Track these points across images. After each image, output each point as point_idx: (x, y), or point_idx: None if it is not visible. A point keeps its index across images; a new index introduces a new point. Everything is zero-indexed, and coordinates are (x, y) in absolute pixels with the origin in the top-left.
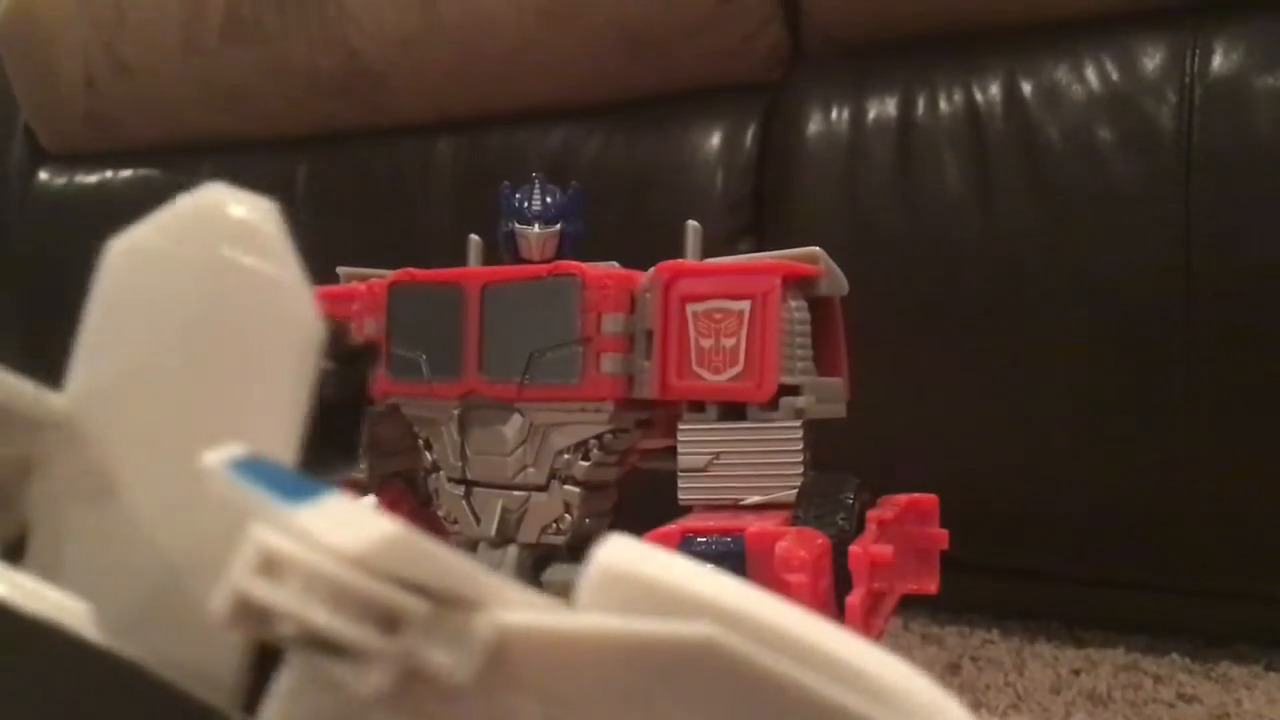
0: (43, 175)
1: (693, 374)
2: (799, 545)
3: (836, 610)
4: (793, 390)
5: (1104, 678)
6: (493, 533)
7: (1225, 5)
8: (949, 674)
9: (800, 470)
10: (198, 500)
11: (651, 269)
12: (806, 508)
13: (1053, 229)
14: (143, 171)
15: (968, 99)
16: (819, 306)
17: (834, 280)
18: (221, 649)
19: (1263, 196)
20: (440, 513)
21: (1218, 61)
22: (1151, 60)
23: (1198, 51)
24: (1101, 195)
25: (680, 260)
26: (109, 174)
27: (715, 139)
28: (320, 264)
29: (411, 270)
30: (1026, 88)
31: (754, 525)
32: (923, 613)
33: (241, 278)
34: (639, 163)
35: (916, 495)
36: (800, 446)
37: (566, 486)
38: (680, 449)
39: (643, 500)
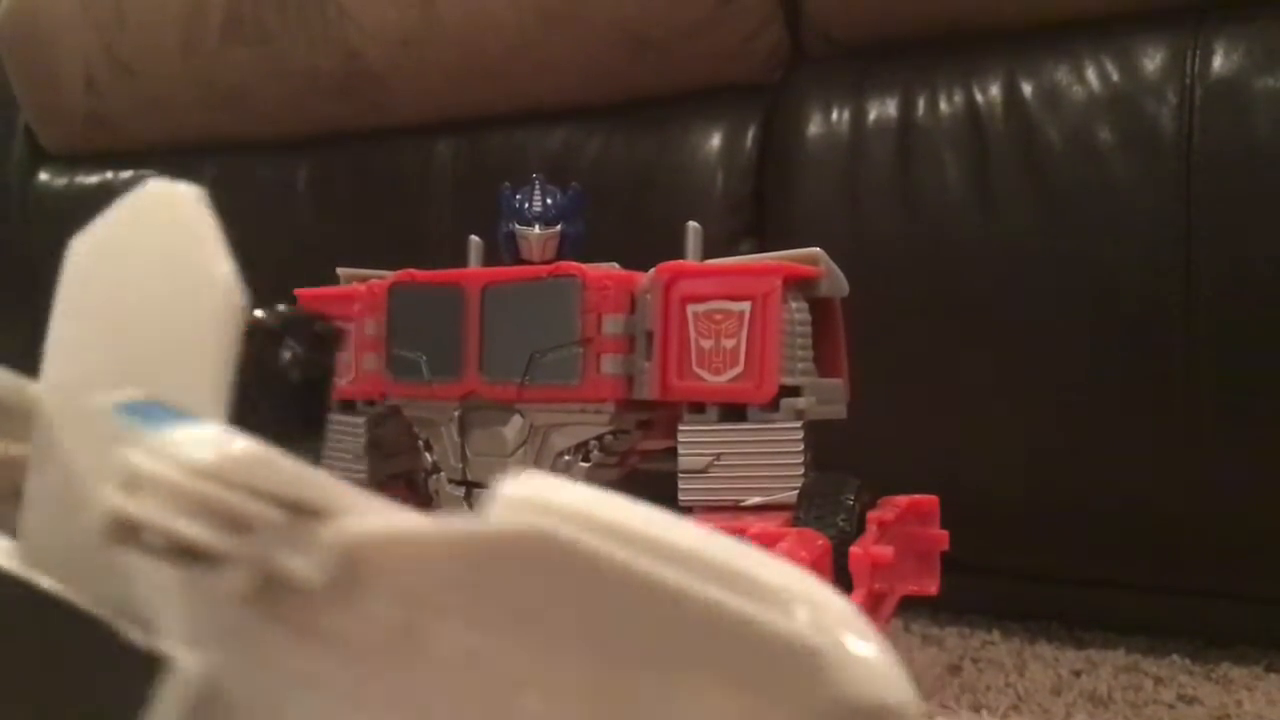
0: (43, 176)
1: (693, 375)
2: (800, 546)
3: None
4: (793, 391)
5: (1105, 679)
6: None
7: (1226, 6)
8: (949, 675)
9: (801, 471)
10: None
11: (652, 270)
12: (807, 509)
13: (1053, 230)
14: (143, 172)
15: (968, 100)
16: (819, 307)
17: (834, 281)
18: (142, 583)
19: (1263, 197)
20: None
21: (1218, 62)
22: (1152, 61)
23: (1198, 52)
24: (1102, 196)
25: (681, 261)
26: (109, 175)
27: (715, 140)
28: (321, 264)
29: (412, 271)
30: (1027, 89)
31: (755, 526)
32: (923, 614)
33: (172, 257)
34: (639, 164)
35: (917, 496)
36: (801, 448)
37: None
38: (681, 450)
39: (643, 501)
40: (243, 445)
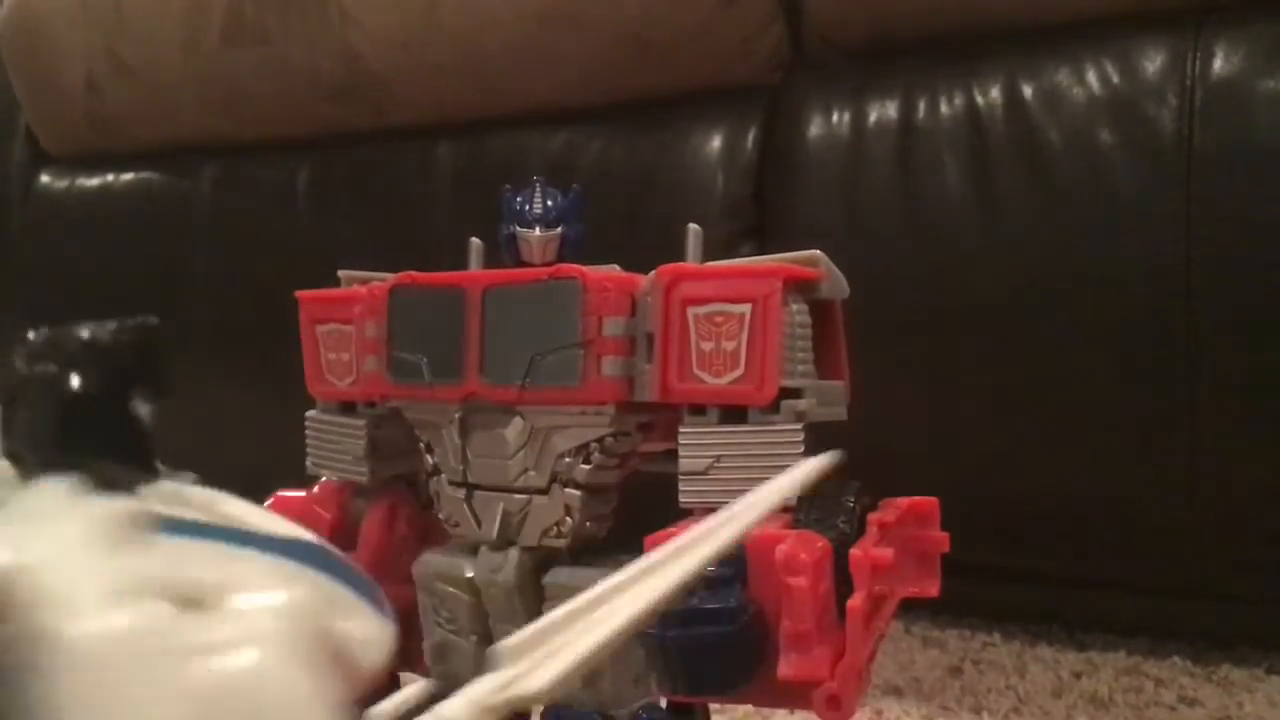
0: (44, 177)
1: (693, 377)
2: (800, 548)
3: (837, 613)
4: (794, 393)
5: (1105, 681)
6: (494, 536)
7: (1226, 8)
8: (950, 677)
9: None
10: None
11: (652, 272)
12: (807, 511)
13: (1053, 231)
14: (144, 174)
15: (968, 102)
16: (820, 309)
17: (835, 283)
18: None
19: (1263, 199)
20: (441, 516)
21: (1218, 64)
22: (1152, 63)
23: (1198, 54)
24: (1102, 198)
25: (681, 263)
26: (110, 176)
27: (716, 142)
28: (321, 266)
29: (412, 273)
30: (1027, 90)
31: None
32: (924, 616)
33: None
34: (640, 165)
35: (917, 498)
36: (801, 450)
37: (567, 490)
38: (681, 452)
39: (643, 503)
40: None
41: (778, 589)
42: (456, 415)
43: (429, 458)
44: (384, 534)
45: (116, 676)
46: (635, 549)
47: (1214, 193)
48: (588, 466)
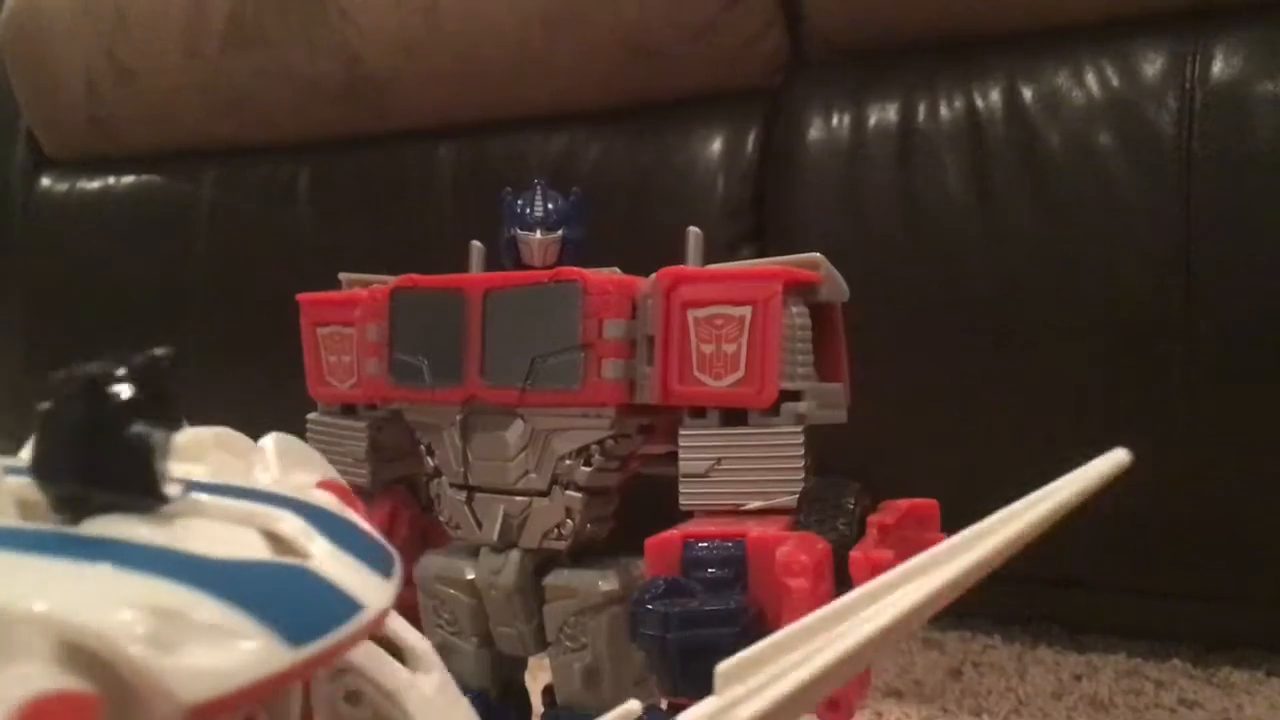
0: (45, 181)
1: (694, 379)
2: (800, 550)
3: None
4: (794, 396)
5: (1105, 683)
6: (495, 538)
7: (1225, 11)
8: (951, 679)
9: (801, 475)
10: None
11: (653, 275)
12: (807, 513)
13: (1053, 234)
14: (145, 177)
15: (968, 105)
16: (820, 312)
17: (835, 286)
18: None
19: (1263, 201)
20: (442, 518)
21: (1218, 67)
22: (1152, 66)
23: (1198, 57)
24: (1102, 200)
25: (682, 266)
26: (111, 180)
27: (716, 145)
28: (322, 269)
29: (414, 276)
30: (1027, 93)
31: (755, 530)
32: None
33: None
34: (640, 168)
35: (917, 500)
36: (801, 452)
37: (568, 492)
38: (682, 454)
39: (644, 505)
40: None
41: (778, 591)
42: (457, 418)
43: (430, 460)
44: (384, 536)
45: None
46: (636, 551)
47: (1213, 195)
48: (588, 469)
